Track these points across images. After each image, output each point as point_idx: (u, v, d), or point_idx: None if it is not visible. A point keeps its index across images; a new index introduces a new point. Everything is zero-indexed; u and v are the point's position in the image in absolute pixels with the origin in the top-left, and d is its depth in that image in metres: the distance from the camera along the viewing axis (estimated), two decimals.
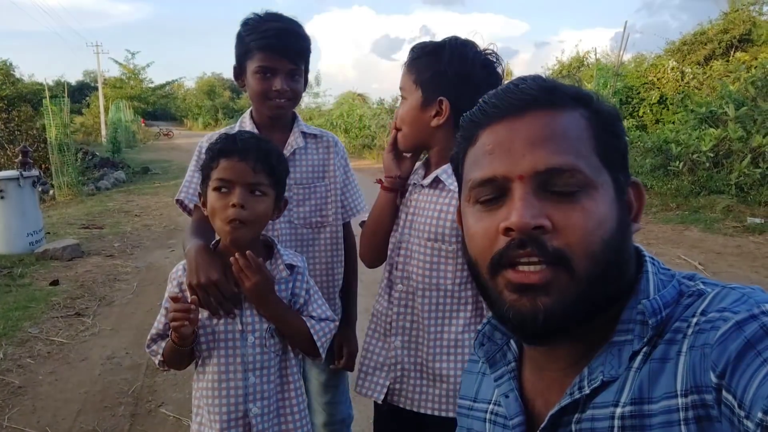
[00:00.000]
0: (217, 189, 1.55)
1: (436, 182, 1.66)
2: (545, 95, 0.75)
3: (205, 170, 1.60)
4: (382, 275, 1.82)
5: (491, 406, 0.89)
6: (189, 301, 1.51)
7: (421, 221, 1.67)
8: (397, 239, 1.74)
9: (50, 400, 3.62)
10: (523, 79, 0.78)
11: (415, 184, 1.73)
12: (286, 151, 1.96)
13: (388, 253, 1.78)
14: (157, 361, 1.67)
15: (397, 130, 1.72)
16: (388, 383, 1.72)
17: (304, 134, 2.03)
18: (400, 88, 1.69)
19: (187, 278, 1.59)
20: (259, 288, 1.55)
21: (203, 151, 1.80)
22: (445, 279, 1.64)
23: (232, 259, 1.55)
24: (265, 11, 1.90)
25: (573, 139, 0.73)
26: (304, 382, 2.08)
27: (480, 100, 0.80)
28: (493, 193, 0.75)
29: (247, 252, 1.55)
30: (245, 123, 2.00)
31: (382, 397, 1.73)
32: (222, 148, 1.56)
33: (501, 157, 0.74)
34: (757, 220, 8.05)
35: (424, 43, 1.67)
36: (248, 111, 2.03)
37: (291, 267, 1.68)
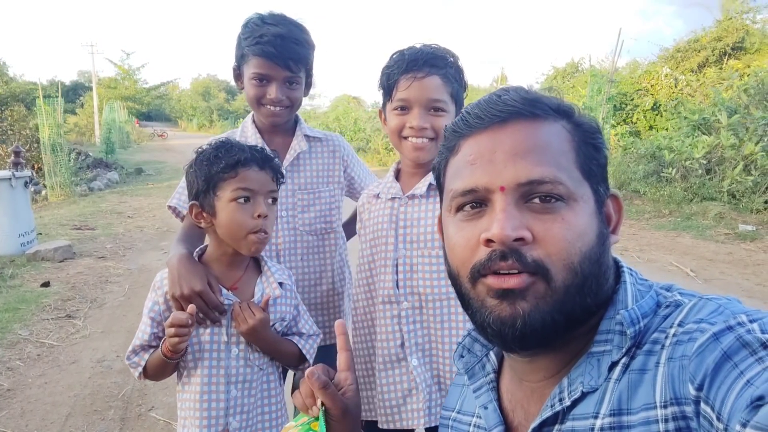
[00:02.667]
0: (236, 199, 1.52)
1: (432, 189, 1.64)
2: (527, 107, 0.75)
3: (212, 180, 1.54)
4: (365, 306, 1.77)
5: (474, 419, 0.89)
6: (185, 318, 1.45)
7: (420, 232, 1.64)
8: (392, 257, 1.67)
9: (39, 403, 3.60)
10: (505, 90, 0.79)
11: (399, 197, 1.69)
12: (290, 156, 1.91)
13: (382, 276, 1.69)
14: (137, 373, 1.60)
15: (427, 140, 1.61)
16: (422, 405, 1.64)
17: (308, 137, 1.97)
18: (437, 100, 1.58)
19: (169, 289, 1.55)
20: (256, 329, 1.55)
21: None
22: None
23: (234, 307, 1.55)
24: (269, 12, 1.83)
25: (555, 151, 0.74)
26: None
27: (462, 110, 0.81)
28: (474, 203, 0.76)
29: (248, 301, 1.57)
30: (247, 127, 1.96)
31: (423, 420, 1.64)
32: (240, 159, 1.52)
33: (483, 168, 0.75)
34: (749, 228, 8.09)
35: (445, 50, 1.62)
36: (250, 115, 1.99)
37: (280, 284, 1.66)
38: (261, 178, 1.54)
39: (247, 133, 1.95)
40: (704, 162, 10.05)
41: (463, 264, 0.76)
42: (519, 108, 0.75)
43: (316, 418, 0.86)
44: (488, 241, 0.71)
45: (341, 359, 0.96)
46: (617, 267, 0.79)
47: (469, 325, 1.61)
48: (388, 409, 1.69)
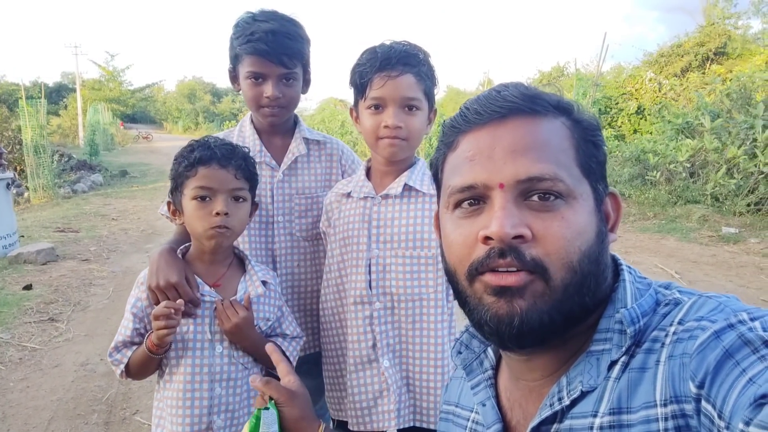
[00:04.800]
0: (197, 198, 1.52)
1: (407, 189, 1.63)
2: (527, 103, 0.74)
3: (179, 179, 1.56)
4: (334, 307, 1.76)
5: (473, 415, 0.89)
6: (168, 309, 1.45)
7: (394, 232, 1.63)
8: (365, 257, 1.66)
9: (21, 407, 3.54)
10: (504, 86, 0.78)
11: (373, 197, 1.67)
12: (288, 159, 1.87)
13: (354, 277, 1.69)
14: (119, 371, 1.58)
15: (401, 139, 1.58)
16: (393, 407, 1.63)
17: (307, 140, 1.92)
18: (411, 98, 1.56)
19: (147, 280, 1.56)
20: (240, 327, 1.54)
21: None
22: (427, 287, 1.62)
23: (216, 305, 1.55)
24: (259, 9, 1.78)
25: (554, 147, 0.73)
26: None
27: (462, 105, 0.80)
28: (473, 200, 0.75)
29: (231, 299, 1.56)
30: (245, 128, 1.92)
31: (393, 422, 1.63)
32: (199, 157, 1.53)
33: (482, 164, 0.74)
34: (732, 230, 8.19)
35: (417, 47, 1.61)
36: (248, 115, 1.94)
37: (264, 283, 1.65)
38: (221, 176, 1.53)
39: (245, 133, 1.91)
40: (688, 165, 10.17)
41: (460, 261, 0.75)
42: (519, 104, 0.74)
43: (266, 408, 1.00)
44: (487, 239, 0.71)
45: (280, 369, 1.11)
46: (616, 265, 0.78)
47: (440, 326, 1.63)
48: (359, 411, 1.68)
